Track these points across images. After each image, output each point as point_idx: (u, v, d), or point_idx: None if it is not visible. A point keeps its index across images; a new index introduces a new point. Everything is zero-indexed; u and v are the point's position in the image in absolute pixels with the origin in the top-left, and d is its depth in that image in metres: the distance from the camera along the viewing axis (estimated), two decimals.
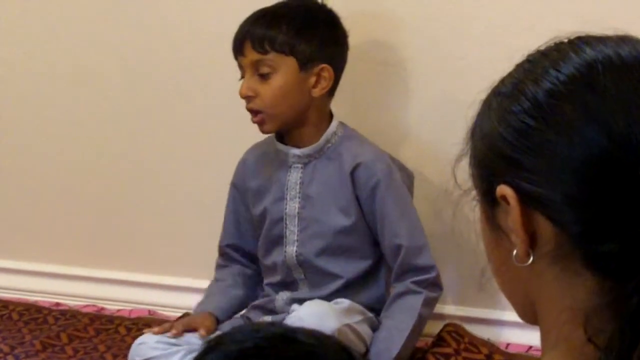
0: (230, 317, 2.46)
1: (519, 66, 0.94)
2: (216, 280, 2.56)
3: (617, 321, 0.84)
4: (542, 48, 0.94)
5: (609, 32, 0.93)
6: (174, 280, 2.87)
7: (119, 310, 2.93)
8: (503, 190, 0.90)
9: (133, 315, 2.88)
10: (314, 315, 2.25)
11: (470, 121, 0.96)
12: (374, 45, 2.46)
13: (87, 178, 3.00)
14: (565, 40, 0.93)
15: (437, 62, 2.54)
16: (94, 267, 3.01)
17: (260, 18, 2.34)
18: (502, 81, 0.95)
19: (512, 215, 0.89)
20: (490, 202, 0.93)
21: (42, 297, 3.03)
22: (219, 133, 2.81)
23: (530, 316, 0.95)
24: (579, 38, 0.93)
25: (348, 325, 2.28)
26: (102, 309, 2.95)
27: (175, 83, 2.84)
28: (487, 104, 0.94)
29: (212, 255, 2.59)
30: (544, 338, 0.93)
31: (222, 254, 2.57)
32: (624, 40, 0.91)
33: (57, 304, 2.99)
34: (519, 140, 0.89)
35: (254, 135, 2.52)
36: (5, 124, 3.08)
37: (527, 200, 0.88)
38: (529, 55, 0.95)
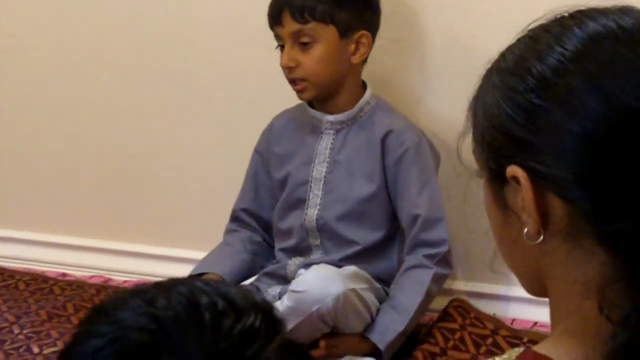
0: (236, 283, 2.46)
1: (519, 41, 0.93)
2: (225, 244, 2.55)
3: (632, 298, 0.83)
4: (543, 23, 0.92)
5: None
6: (180, 253, 2.87)
7: (125, 282, 2.93)
8: (514, 171, 0.88)
9: None
10: (319, 278, 2.26)
11: (472, 96, 0.95)
12: (387, 22, 2.45)
13: (96, 150, 3.00)
14: (567, 15, 0.92)
15: (449, 39, 2.53)
16: (100, 238, 3.02)
17: None
18: (503, 56, 0.93)
19: (525, 195, 0.88)
20: (498, 181, 0.91)
21: (49, 268, 3.04)
22: (232, 109, 2.80)
23: (538, 290, 0.94)
24: (581, 12, 0.91)
25: (353, 290, 2.28)
26: (109, 280, 2.95)
27: (188, 62, 2.84)
28: (490, 81, 0.93)
29: (220, 228, 2.59)
30: (553, 310, 0.92)
31: (235, 218, 2.57)
32: (624, 11, 0.90)
33: (64, 275, 3.00)
34: (527, 120, 0.88)
35: (266, 111, 2.53)
36: (20, 98, 3.08)
37: (538, 179, 0.87)
38: (530, 31, 0.93)
